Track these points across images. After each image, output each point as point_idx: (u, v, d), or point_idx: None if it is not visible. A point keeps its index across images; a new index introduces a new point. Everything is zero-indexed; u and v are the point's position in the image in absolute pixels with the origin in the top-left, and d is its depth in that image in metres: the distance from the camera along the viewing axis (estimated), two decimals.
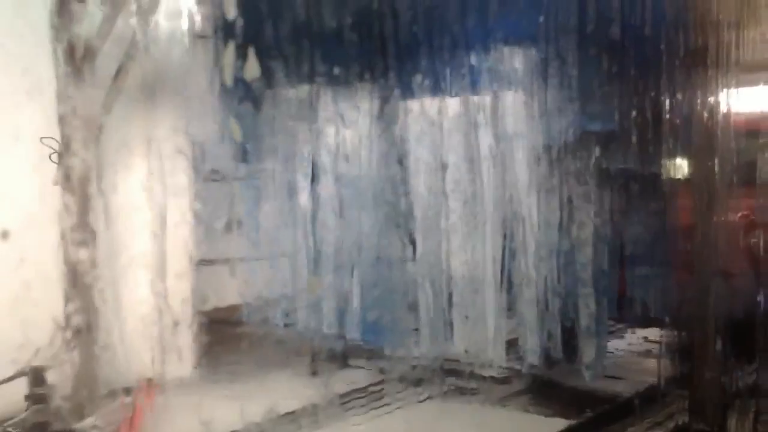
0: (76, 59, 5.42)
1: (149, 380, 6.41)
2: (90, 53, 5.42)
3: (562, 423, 5.58)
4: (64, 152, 5.76)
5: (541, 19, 4.88)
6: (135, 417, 5.75)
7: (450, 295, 5.48)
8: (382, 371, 7.11)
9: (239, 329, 7.84)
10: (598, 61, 4.97)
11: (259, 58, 6.19)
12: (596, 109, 5.00)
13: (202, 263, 8.28)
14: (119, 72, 6.16)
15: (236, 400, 6.56)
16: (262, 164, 6.38)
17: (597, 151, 5.02)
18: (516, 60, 5.08)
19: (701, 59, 4.45)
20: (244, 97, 6.24)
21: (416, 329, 5.71)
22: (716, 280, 4.25)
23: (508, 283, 5.34)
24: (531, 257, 5.20)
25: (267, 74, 6.19)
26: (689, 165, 4.58)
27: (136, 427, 5.65)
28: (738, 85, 4.55)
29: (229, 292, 7.86)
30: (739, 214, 5.42)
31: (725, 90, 4.43)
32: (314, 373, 7.16)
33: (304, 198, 6.14)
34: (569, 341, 5.28)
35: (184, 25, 6.72)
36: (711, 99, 4.47)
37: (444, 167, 5.37)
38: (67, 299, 5.90)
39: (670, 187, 4.98)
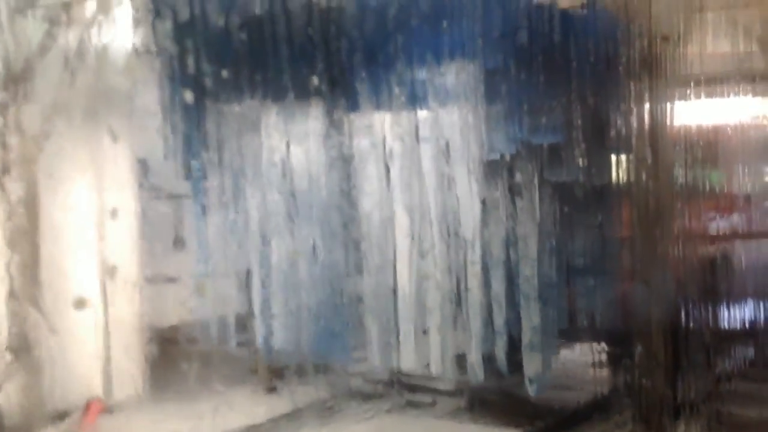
0: (14, 76, 5.33)
1: (95, 400, 6.30)
2: (29, 70, 5.32)
3: None
4: (2, 172, 5.67)
5: (481, 32, 4.91)
6: None
7: (398, 310, 5.46)
8: (336, 386, 7.12)
9: (191, 347, 7.76)
10: (539, 74, 5.01)
11: (203, 73, 6.17)
12: (538, 122, 5.03)
13: (150, 281, 8.19)
14: (59, 89, 6.09)
15: (187, 419, 6.49)
16: (208, 181, 6.31)
17: (540, 164, 5.05)
18: (458, 74, 5.09)
19: (644, 72, 4.51)
20: (189, 113, 6.18)
21: (367, 343, 5.68)
22: (659, 290, 4.29)
23: (454, 297, 5.33)
24: (476, 271, 5.21)
25: (213, 90, 6.16)
26: (630, 177, 4.63)
27: None
28: (680, 98, 4.63)
29: (179, 310, 7.77)
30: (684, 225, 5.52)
31: (666, 103, 4.50)
32: (270, 390, 7.10)
33: (251, 214, 6.08)
34: (514, 354, 5.30)
35: (128, 41, 6.67)
36: (651, 112, 4.54)
37: (388, 182, 5.37)
38: (9, 322, 5.80)
39: (612, 199, 5.03)
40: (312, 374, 7.29)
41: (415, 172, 5.24)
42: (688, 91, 4.69)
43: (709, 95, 6.12)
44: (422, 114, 5.20)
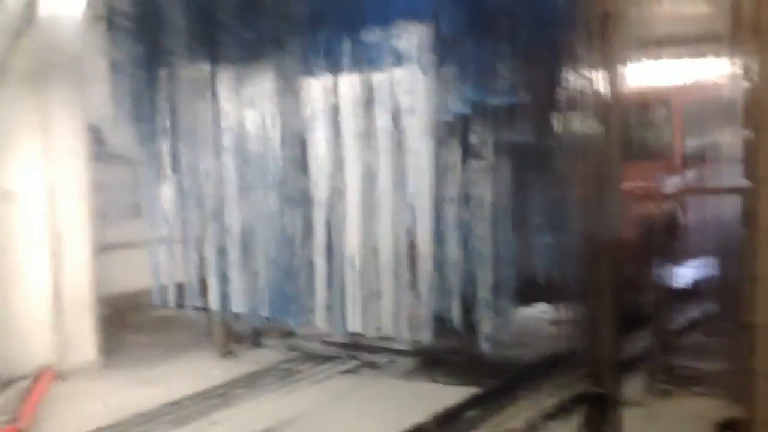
0: None
1: (47, 367, 6.22)
2: None
3: (468, 391, 5.63)
4: None
5: None
6: (32, 403, 5.57)
7: (350, 272, 5.41)
8: (293, 349, 7.11)
9: (147, 314, 7.70)
10: (494, 34, 4.95)
11: (156, 36, 6.04)
12: (496, 83, 4.98)
13: (106, 248, 8.08)
14: (4, 54, 5.94)
15: (142, 384, 6.44)
16: (160, 146, 6.20)
17: (493, 125, 5.00)
18: (411, 35, 5.00)
19: (599, 32, 4.47)
20: (141, 77, 6.05)
21: (319, 306, 5.64)
22: (610, 250, 4.30)
23: (409, 258, 5.30)
24: (431, 232, 5.16)
25: (166, 53, 6.03)
26: (584, 137, 4.61)
27: (33, 414, 5.47)
28: (635, 59, 4.62)
29: (135, 277, 7.68)
30: (634, 185, 5.54)
31: (622, 63, 4.47)
32: (226, 354, 7.07)
33: (206, 179, 5.99)
34: (470, 314, 5.30)
35: (77, 5, 6.51)
36: (607, 72, 4.49)
37: (342, 145, 5.30)
38: None
39: (564, 160, 5.01)
40: (269, 338, 7.29)
41: (368, 135, 5.17)
42: (641, 53, 4.67)
43: (660, 56, 6.16)
44: (374, 76, 5.11)
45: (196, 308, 6.36)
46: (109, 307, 8.01)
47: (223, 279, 6.04)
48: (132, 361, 7.01)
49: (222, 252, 6.01)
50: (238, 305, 6.03)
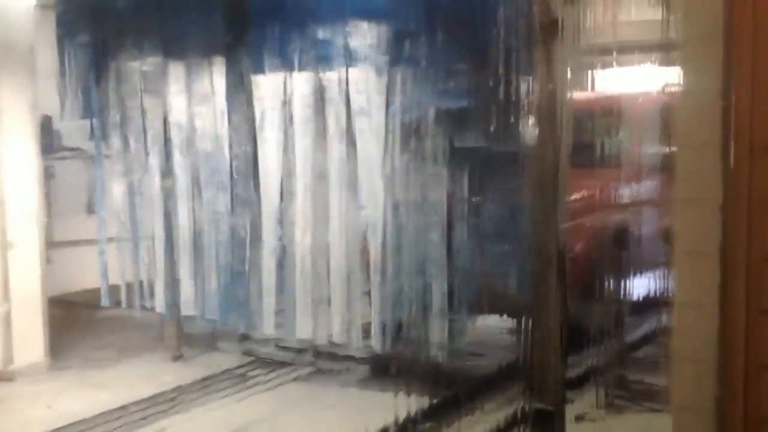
0: None
1: None
2: None
3: (419, 402, 5.58)
4: None
5: None
6: None
7: (303, 277, 5.33)
8: (247, 353, 7.02)
9: (97, 314, 7.57)
10: (448, 37, 4.91)
11: (106, 27, 5.91)
12: (448, 87, 4.94)
13: (58, 245, 7.94)
14: None
15: (89, 388, 6.31)
16: (112, 141, 6.07)
17: (450, 129, 4.95)
18: (366, 35, 4.94)
19: (549, 38, 4.45)
20: (90, 70, 5.92)
21: (274, 311, 5.56)
22: (557, 261, 4.28)
23: (361, 263, 5.24)
24: (383, 237, 5.11)
25: (116, 45, 5.91)
26: (534, 144, 4.59)
27: None
28: (589, 65, 4.60)
29: (85, 276, 7.55)
30: (581, 195, 5.53)
31: (573, 70, 4.45)
32: (177, 358, 6.96)
33: (157, 177, 5.88)
34: (422, 322, 5.25)
35: None
36: (559, 78, 4.48)
37: (293, 145, 5.22)
38: None
39: (516, 166, 4.98)
40: (223, 341, 7.19)
41: (319, 135, 5.10)
42: (595, 59, 4.65)
43: (613, 63, 6.15)
44: (327, 75, 5.04)
45: (146, 309, 6.26)
46: (60, 307, 7.89)
47: (172, 280, 5.95)
48: (81, 362, 6.87)
49: (171, 252, 5.91)
50: (187, 308, 5.93)
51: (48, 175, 8.31)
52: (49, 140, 7.66)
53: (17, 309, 6.59)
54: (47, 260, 7.40)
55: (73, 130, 7.58)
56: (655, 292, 6.03)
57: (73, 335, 7.46)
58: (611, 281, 5.64)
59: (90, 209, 8.13)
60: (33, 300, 6.74)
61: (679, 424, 2.80)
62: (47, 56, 6.42)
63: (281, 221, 5.29)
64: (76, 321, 7.92)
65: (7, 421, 5.56)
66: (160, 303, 6.04)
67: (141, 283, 6.18)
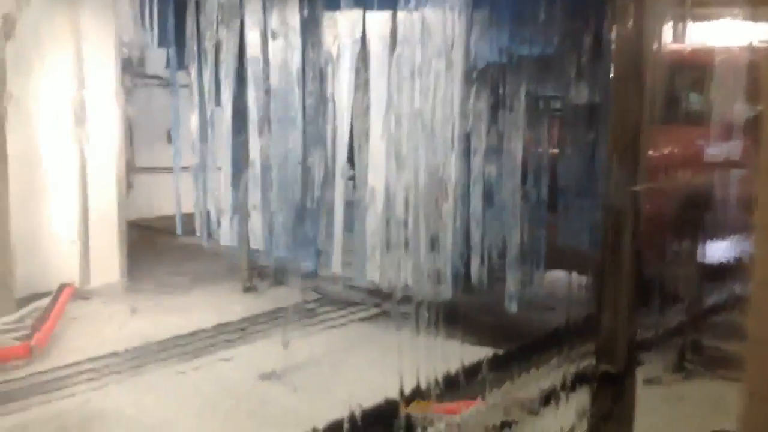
0: None
1: (67, 285, 6.27)
2: None
3: (484, 352, 5.52)
4: None
5: None
6: (50, 320, 5.63)
7: (375, 219, 5.27)
8: (316, 290, 7.05)
9: (174, 241, 7.70)
10: None
11: None
12: (529, 33, 4.72)
13: (137, 171, 8.08)
14: None
15: (162, 312, 6.46)
16: (188, 72, 6.08)
17: (529, 77, 4.75)
18: None
19: None
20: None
21: (336, 252, 5.54)
22: (632, 219, 4.08)
23: (432, 210, 5.14)
24: (456, 185, 5.00)
25: None
26: (616, 95, 4.35)
27: (48, 332, 5.53)
28: (678, 17, 4.31)
29: (164, 202, 7.67)
30: (669, 151, 5.26)
31: (664, 21, 4.19)
32: (248, 289, 7.05)
33: (230, 109, 5.87)
34: (493, 271, 5.15)
35: None
36: (647, 28, 4.21)
37: (367, 85, 5.10)
38: None
39: (597, 119, 4.75)
40: (291, 276, 7.24)
41: (394, 77, 4.97)
42: (681, 10, 4.35)
43: (701, 17, 5.76)
44: (404, 15, 4.88)
45: (214, 240, 6.33)
46: (139, 231, 8.07)
47: (241, 214, 5.98)
48: (156, 287, 7.04)
49: (240, 186, 5.93)
50: (255, 242, 5.97)
51: (130, 102, 8.42)
52: (131, 67, 7.73)
53: (95, 230, 6.77)
54: (129, 185, 7.57)
55: (157, 58, 7.61)
56: (735, 260, 5.76)
57: (150, 260, 7.64)
58: (686, 243, 5.39)
59: (165, 137, 8.23)
60: (111, 222, 6.91)
61: (751, 412, 2.61)
62: None
63: (354, 161, 5.22)
64: (153, 246, 8.10)
65: (79, 339, 5.73)
66: (226, 235, 6.09)
67: (209, 214, 6.25)
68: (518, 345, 5.67)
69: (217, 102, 5.91)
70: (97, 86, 6.62)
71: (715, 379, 5.30)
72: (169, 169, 6.98)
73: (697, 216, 5.82)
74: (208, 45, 5.80)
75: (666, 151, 5.40)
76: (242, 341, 5.89)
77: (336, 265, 5.46)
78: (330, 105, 5.27)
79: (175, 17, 5.94)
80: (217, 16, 5.71)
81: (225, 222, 6.06)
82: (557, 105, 4.84)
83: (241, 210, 5.98)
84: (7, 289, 5.83)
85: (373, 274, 5.38)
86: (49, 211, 6.56)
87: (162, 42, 6.12)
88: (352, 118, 5.18)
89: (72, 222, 6.64)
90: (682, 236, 5.33)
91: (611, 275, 4.15)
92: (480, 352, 5.47)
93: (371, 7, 4.97)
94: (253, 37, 5.57)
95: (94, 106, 6.61)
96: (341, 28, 5.13)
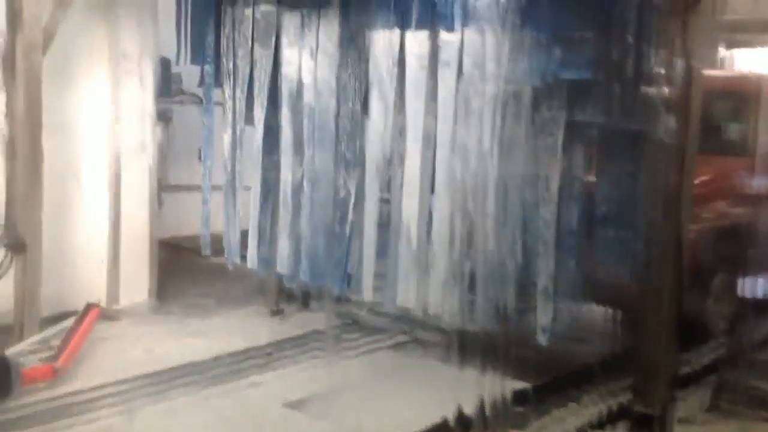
0: None
1: (95, 305, 6.23)
2: None
3: (514, 385, 5.37)
4: (6, 56, 5.48)
5: None
6: (75, 341, 5.57)
7: (401, 244, 5.16)
8: (342, 315, 6.94)
9: (203, 260, 7.64)
10: (577, 1, 4.56)
11: None
12: (571, 55, 4.60)
13: (167, 189, 8.03)
14: None
15: (188, 335, 6.39)
16: (221, 89, 6.02)
17: (568, 101, 4.63)
18: None
19: (688, 11, 4.06)
20: (205, 14, 5.86)
21: (366, 276, 5.42)
22: (677, 252, 3.94)
23: (465, 235, 5.02)
24: (490, 210, 4.87)
25: None
26: (661, 123, 4.22)
27: (74, 352, 5.47)
28: (723, 42, 4.17)
29: (195, 221, 7.61)
30: (710, 182, 5.10)
31: (707, 46, 4.06)
32: (275, 313, 6.97)
33: (261, 129, 5.79)
34: (527, 302, 5.01)
35: None
36: (689, 55, 4.09)
37: (403, 107, 5.00)
38: (7, 216, 5.69)
39: (641, 147, 4.61)
40: (319, 300, 7.14)
41: (432, 98, 4.86)
42: (730, 36, 4.21)
43: (753, 43, 5.59)
44: (444, 36, 4.78)
45: (242, 263, 6.24)
46: (169, 250, 8.02)
47: (269, 236, 5.88)
48: (182, 308, 6.97)
49: (269, 208, 5.84)
50: (281, 266, 5.87)
51: (166, 118, 8.38)
52: (168, 83, 7.71)
53: (126, 249, 6.72)
54: (160, 203, 7.52)
55: (193, 74, 7.59)
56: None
57: (178, 280, 7.59)
58: (725, 277, 5.22)
59: (199, 155, 8.19)
60: (142, 241, 6.86)
61: None
62: None
63: (387, 184, 5.10)
64: (183, 265, 8.04)
65: (105, 361, 5.67)
66: (252, 258, 6.01)
67: (236, 236, 6.16)
68: (550, 379, 5.53)
69: (249, 120, 5.84)
70: (132, 102, 6.60)
71: (750, 420, 5.12)
72: (200, 188, 6.94)
73: (737, 250, 5.65)
74: (242, 62, 5.73)
75: (714, 181, 5.25)
76: (268, 367, 5.79)
77: (367, 291, 5.34)
78: (365, 126, 5.16)
79: (212, 34, 5.88)
80: (252, 34, 5.65)
81: (252, 243, 5.97)
82: (597, 131, 4.70)
83: (269, 231, 5.88)
84: (34, 308, 5.78)
85: (405, 300, 5.24)
86: (80, 227, 6.52)
87: (196, 59, 6.08)
88: (387, 140, 5.08)
89: (102, 240, 6.61)
90: (720, 270, 5.16)
91: (653, 311, 4.02)
92: (512, 385, 5.34)
93: (410, 27, 4.88)
94: (288, 55, 5.50)
95: (129, 121, 6.59)
96: (379, 48, 5.04)
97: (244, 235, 6.02)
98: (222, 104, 6.09)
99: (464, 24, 4.65)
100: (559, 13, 4.46)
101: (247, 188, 6.00)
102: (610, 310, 6.30)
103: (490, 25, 4.58)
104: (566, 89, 4.53)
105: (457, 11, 4.67)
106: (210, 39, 5.91)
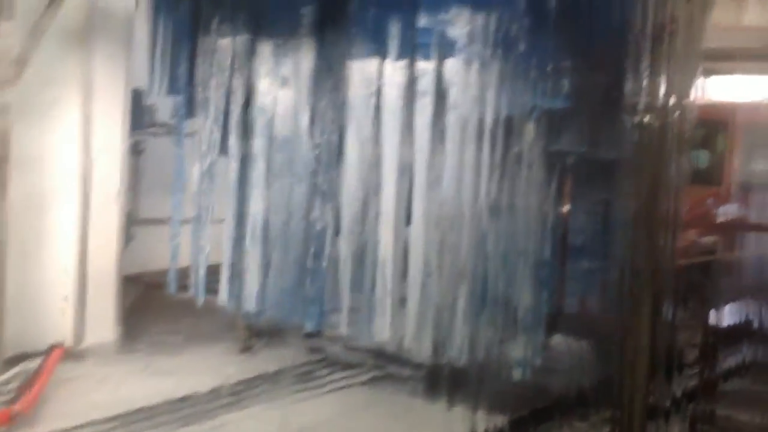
0: None
1: (58, 346, 6.04)
2: None
3: (490, 420, 5.27)
4: None
5: None
6: (37, 384, 5.38)
7: (376, 278, 5.07)
8: (314, 350, 6.81)
9: (171, 297, 7.48)
10: (556, 33, 4.55)
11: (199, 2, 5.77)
12: (547, 85, 4.58)
13: (138, 222, 7.88)
14: (48, 7, 5.71)
15: (155, 374, 6.21)
16: (193, 119, 5.93)
17: (546, 131, 4.60)
18: (467, 25, 4.60)
19: (664, 40, 4.06)
20: (179, 44, 5.79)
21: (340, 310, 5.32)
22: (651, 281, 3.89)
23: (440, 268, 4.94)
24: (465, 242, 4.80)
25: (206, 21, 5.75)
26: (638, 153, 4.19)
27: (35, 396, 5.28)
28: (699, 72, 4.17)
29: (165, 256, 7.46)
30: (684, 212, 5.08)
31: (685, 75, 4.06)
32: (245, 349, 6.82)
33: (236, 160, 5.70)
34: (500, 335, 4.93)
35: None
36: (673, 82, 4.08)
37: (380, 137, 4.93)
38: None
39: (616, 177, 4.59)
40: (290, 336, 7.01)
41: (409, 129, 4.80)
42: (704, 65, 4.22)
43: (724, 71, 5.64)
44: (422, 65, 4.74)
45: (209, 298, 6.11)
46: (138, 286, 7.85)
47: (237, 271, 5.77)
48: (150, 347, 6.79)
49: (239, 242, 5.73)
50: (250, 302, 5.74)
51: (137, 151, 8.22)
52: (140, 115, 7.58)
53: (92, 286, 6.54)
54: (130, 237, 7.37)
55: (166, 105, 7.46)
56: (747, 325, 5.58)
57: (146, 316, 7.41)
58: (693, 306, 5.19)
59: (171, 188, 8.04)
60: (109, 278, 6.69)
61: None
62: (143, 28, 6.33)
63: (361, 217, 5.02)
64: (151, 301, 7.86)
65: (68, 404, 5.47)
66: (222, 295, 5.88)
67: (205, 271, 6.04)
68: (526, 412, 5.44)
69: (222, 151, 5.74)
70: (104, 134, 6.47)
71: None
72: (170, 221, 6.81)
73: (706, 278, 5.64)
74: (216, 93, 5.64)
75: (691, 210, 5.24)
76: (237, 407, 5.62)
77: (343, 325, 5.23)
78: (339, 157, 5.09)
79: (185, 64, 5.80)
80: (226, 64, 5.57)
81: (224, 278, 5.84)
82: (575, 160, 4.66)
83: (239, 266, 5.76)
84: None
85: (380, 334, 5.14)
86: (46, 264, 6.34)
87: (170, 89, 5.98)
88: (363, 172, 5.00)
89: (68, 277, 6.43)
90: (690, 299, 5.12)
91: (630, 342, 3.96)
92: (488, 420, 5.24)
93: (388, 57, 4.82)
94: (263, 85, 5.42)
95: (100, 154, 6.45)
96: (356, 77, 4.98)
97: (212, 270, 5.90)
98: (195, 135, 6.01)
99: (443, 53, 4.62)
100: (539, 43, 4.44)
101: (218, 222, 5.88)
102: (585, 342, 6.27)
103: (468, 56, 4.55)
104: (544, 119, 4.51)
105: (435, 41, 4.65)
106: (183, 69, 5.82)
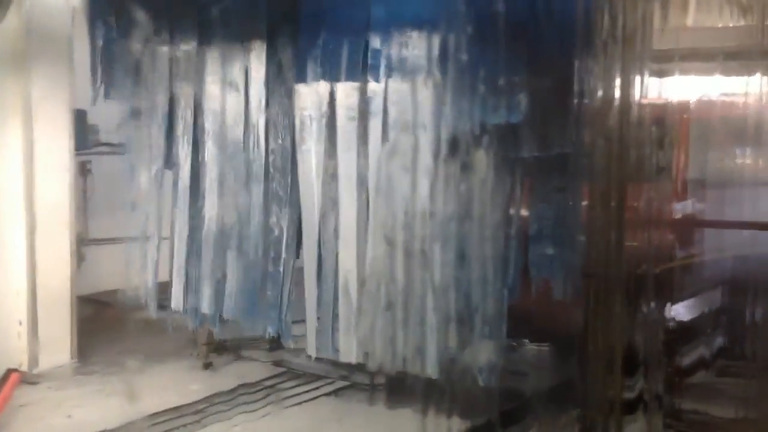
0: None
1: (15, 371, 5.88)
2: None
3: (457, 425, 5.24)
4: None
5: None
6: None
7: (338, 291, 5.02)
8: (278, 364, 6.72)
9: (128, 315, 7.32)
10: (505, 49, 4.56)
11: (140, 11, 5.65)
12: (500, 100, 4.58)
13: (88, 243, 7.75)
14: None
15: (113, 395, 6.05)
16: (140, 131, 5.80)
17: (499, 144, 4.59)
18: (416, 45, 4.59)
19: (612, 45, 4.10)
20: (121, 54, 5.65)
21: (310, 325, 5.25)
22: (613, 280, 3.91)
23: (400, 280, 4.90)
24: (426, 251, 4.77)
25: (149, 30, 5.64)
26: (590, 153, 4.22)
27: None
28: (648, 73, 4.21)
29: (119, 274, 7.31)
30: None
31: (635, 78, 4.09)
32: (207, 366, 6.70)
33: (185, 171, 5.59)
34: (463, 342, 4.91)
35: None
36: (621, 84, 4.12)
37: (333, 150, 4.88)
38: None
39: (571, 182, 4.61)
40: (252, 350, 6.91)
41: (361, 145, 4.76)
42: (659, 66, 4.28)
43: (684, 71, 5.70)
44: (373, 86, 4.71)
45: (164, 310, 5.97)
46: (91, 306, 7.70)
47: (195, 283, 5.65)
48: (107, 367, 6.62)
49: (192, 251, 5.62)
50: (213, 313, 5.63)
51: (84, 171, 8.11)
52: (85, 135, 7.44)
53: (45, 309, 6.40)
54: (81, 258, 7.23)
55: (111, 125, 7.37)
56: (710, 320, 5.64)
57: (101, 337, 7.23)
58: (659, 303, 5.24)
59: (125, 206, 7.92)
60: (62, 300, 6.55)
61: None
62: (82, 47, 6.19)
63: (318, 229, 4.95)
64: (106, 322, 7.69)
65: (26, 430, 5.32)
66: (177, 303, 5.75)
67: (154, 283, 5.91)
68: (494, 416, 5.42)
69: (168, 162, 5.62)
70: (48, 156, 6.33)
71: None
72: (125, 239, 6.67)
73: (681, 274, 5.69)
74: (161, 100, 5.52)
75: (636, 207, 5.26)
76: (200, 425, 5.50)
77: (310, 337, 5.15)
78: (296, 162, 5.01)
79: (129, 74, 5.66)
80: (172, 72, 5.46)
81: (175, 291, 5.72)
82: (531, 164, 4.66)
83: (193, 277, 5.64)
84: None
85: (344, 347, 5.08)
86: None
87: (114, 96, 5.83)
88: (313, 183, 4.94)
89: (21, 300, 6.26)
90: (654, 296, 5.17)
91: (594, 341, 3.97)
92: (455, 425, 5.21)
93: (338, 80, 4.77)
94: (211, 92, 5.31)
95: (45, 176, 6.31)
96: (306, 101, 4.91)
97: (164, 284, 5.78)
98: (141, 147, 5.87)
99: (390, 74, 4.58)
100: (488, 59, 4.43)
101: (170, 233, 5.76)
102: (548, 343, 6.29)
103: (417, 75, 4.53)
104: (499, 129, 4.49)
105: (384, 62, 4.60)
106: (127, 79, 5.68)
